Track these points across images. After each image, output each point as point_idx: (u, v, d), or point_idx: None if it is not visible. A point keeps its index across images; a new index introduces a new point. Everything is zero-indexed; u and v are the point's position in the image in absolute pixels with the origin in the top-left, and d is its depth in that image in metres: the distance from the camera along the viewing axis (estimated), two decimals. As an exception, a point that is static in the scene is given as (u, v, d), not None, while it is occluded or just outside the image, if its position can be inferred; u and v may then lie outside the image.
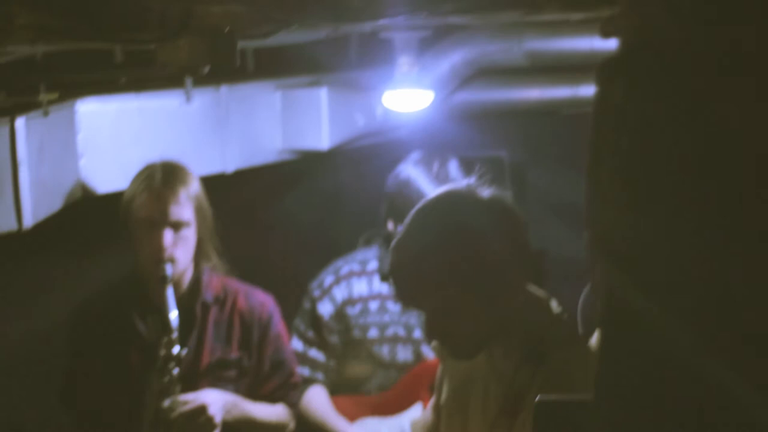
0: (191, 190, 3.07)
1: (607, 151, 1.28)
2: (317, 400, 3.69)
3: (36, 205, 3.06)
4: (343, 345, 3.70)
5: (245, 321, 3.18)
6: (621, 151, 1.26)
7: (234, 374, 3.15)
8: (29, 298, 3.80)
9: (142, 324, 3.09)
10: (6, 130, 2.97)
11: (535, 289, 2.37)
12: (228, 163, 3.96)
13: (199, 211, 3.07)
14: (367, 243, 3.87)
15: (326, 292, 3.71)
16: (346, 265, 3.76)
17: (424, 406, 3.58)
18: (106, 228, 3.18)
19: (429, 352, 3.60)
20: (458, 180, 3.54)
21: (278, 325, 3.26)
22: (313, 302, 3.71)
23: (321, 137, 4.22)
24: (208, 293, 3.15)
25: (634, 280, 1.24)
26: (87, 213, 3.35)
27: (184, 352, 2.99)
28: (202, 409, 2.95)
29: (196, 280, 3.15)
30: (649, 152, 1.22)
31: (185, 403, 2.95)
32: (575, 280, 2.64)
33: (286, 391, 3.28)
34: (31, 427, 3.81)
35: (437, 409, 2.66)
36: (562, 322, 2.35)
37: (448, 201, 2.30)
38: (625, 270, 1.25)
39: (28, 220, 3.03)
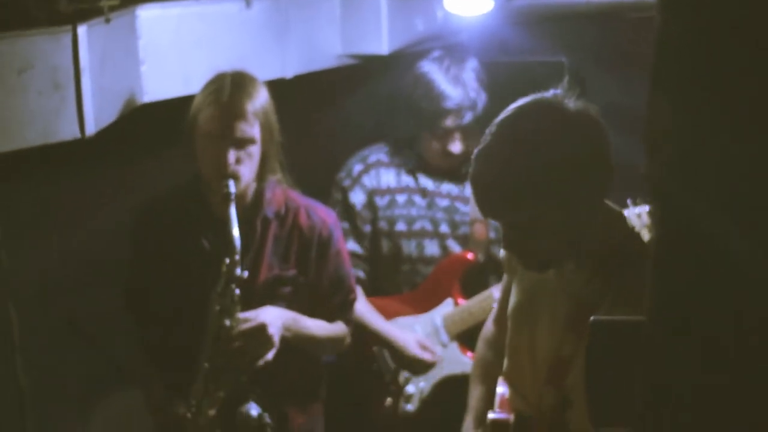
0: (258, 104, 3.03)
1: (672, 58, 1.25)
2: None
3: (98, 112, 3.08)
4: (374, 237, 3.72)
5: (305, 237, 3.18)
6: (685, 59, 1.23)
7: (290, 291, 3.16)
8: (91, 205, 3.85)
9: (205, 238, 3.10)
10: (68, 38, 2.98)
11: (611, 205, 2.36)
12: (287, 68, 3.94)
13: (265, 126, 3.04)
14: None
15: (356, 180, 3.72)
16: (373, 154, 3.78)
17: (455, 302, 3.60)
18: (167, 135, 3.19)
19: (455, 247, 3.62)
20: (471, 80, 3.56)
21: (339, 242, 3.25)
22: (345, 192, 3.73)
23: (381, 41, 4.18)
24: (270, 208, 3.14)
25: (691, 189, 1.22)
26: (148, 120, 3.36)
27: (246, 274, 2.99)
28: (262, 328, 2.97)
29: (259, 195, 3.14)
30: (715, 62, 1.20)
31: (246, 321, 2.98)
32: (633, 187, 2.61)
33: (346, 307, 3.30)
34: (97, 332, 3.88)
35: (500, 321, 2.68)
36: (637, 238, 2.34)
37: (534, 111, 2.26)
38: (682, 179, 1.23)
39: (91, 128, 3.06)
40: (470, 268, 3.64)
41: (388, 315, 3.73)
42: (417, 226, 3.68)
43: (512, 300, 2.55)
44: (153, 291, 3.16)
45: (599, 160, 2.22)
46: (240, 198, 3.05)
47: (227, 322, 2.95)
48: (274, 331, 2.99)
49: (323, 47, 4.15)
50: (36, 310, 3.83)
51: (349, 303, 3.32)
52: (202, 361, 2.97)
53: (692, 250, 1.23)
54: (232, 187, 2.96)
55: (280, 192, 3.18)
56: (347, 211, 3.73)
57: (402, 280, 3.74)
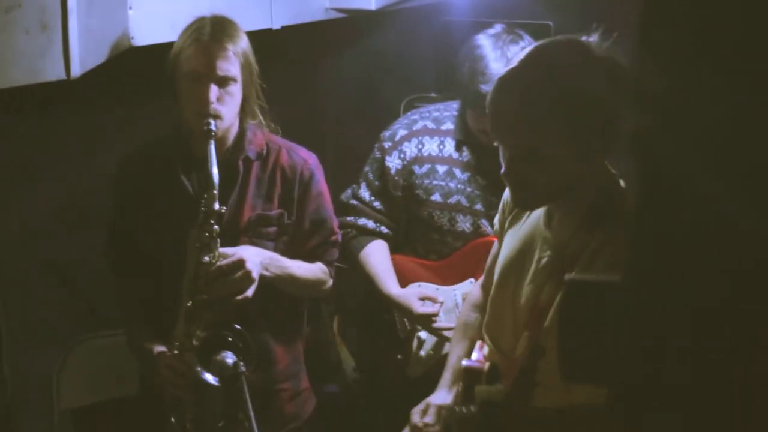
0: (239, 46, 3.06)
1: (659, 17, 1.25)
2: (376, 254, 3.73)
3: (84, 54, 3.07)
4: (405, 202, 3.72)
5: (287, 177, 3.20)
6: (672, 17, 1.24)
7: (273, 231, 3.18)
8: (76, 148, 3.85)
9: (186, 178, 3.12)
10: (56, -22, 2.97)
11: (610, 167, 2.39)
12: (275, 20, 3.94)
13: (245, 67, 3.07)
14: (442, 100, 3.85)
15: (396, 145, 3.71)
16: (421, 120, 3.75)
17: (476, 281, 3.62)
18: (152, 79, 3.19)
19: (487, 226, 3.62)
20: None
21: (320, 183, 3.27)
22: (383, 153, 3.72)
23: (368, -5, 4.17)
24: (251, 149, 3.17)
25: (678, 147, 1.23)
26: (133, 64, 3.36)
27: (224, 209, 3.02)
28: (240, 264, 2.99)
29: (240, 136, 3.16)
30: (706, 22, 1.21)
31: (224, 257, 3.00)
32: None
33: (326, 249, 3.31)
34: (77, 274, 3.90)
35: (486, 286, 2.71)
36: (625, 196, 2.37)
37: (565, 46, 2.30)
38: (669, 137, 1.24)
39: (76, 70, 3.05)
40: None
41: (413, 277, 3.74)
42: (453, 199, 3.65)
43: (500, 259, 2.58)
44: (136, 234, 3.17)
45: (616, 105, 2.24)
46: (221, 139, 3.08)
47: (206, 258, 2.97)
48: (252, 267, 3.00)
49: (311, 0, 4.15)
50: (16, 251, 3.84)
51: (330, 243, 3.33)
52: (183, 300, 2.99)
53: (678, 208, 1.24)
54: (213, 125, 2.98)
55: (260, 134, 3.20)
56: (381, 171, 3.73)
57: (430, 248, 3.74)
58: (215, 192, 2.95)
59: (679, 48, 1.23)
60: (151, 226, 3.14)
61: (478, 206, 3.62)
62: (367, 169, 3.77)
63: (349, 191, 3.81)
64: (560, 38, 2.35)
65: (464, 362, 2.50)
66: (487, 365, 2.43)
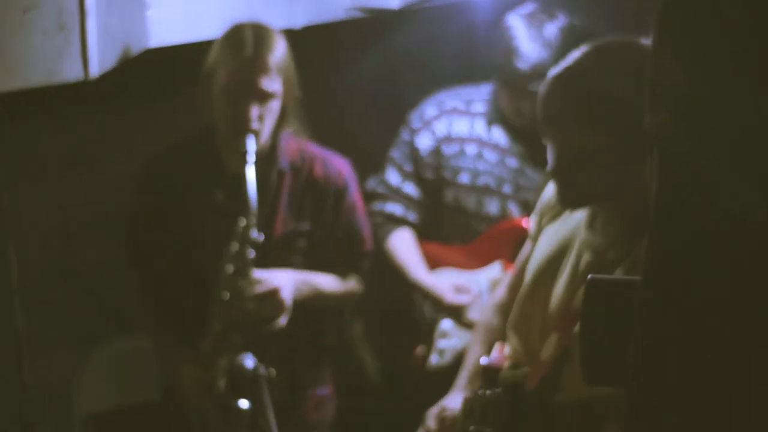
0: (280, 58, 2.97)
1: (677, 9, 1.23)
2: (403, 243, 3.68)
3: (102, 54, 3.06)
4: (433, 185, 3.68)
5: (320, 189, 3.14)
6: (690, 9, 1.21)
7: (305, 244, 3.14)
8: (94, 149, 3.84)
9: (216, 192, 3.06)
10: (74, -23, 2.96)
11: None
12: (296, 19, 3.91)
13: (286, 80, 2.99)
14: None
15: (426, 124, 3.67)
16: (450, 100, 3.71)
17: (504, 266, 3.57)
18: (171, 80, 3.17)
19: (514, 209, 3.58)
20: (555, 40, 3.48)
21: (354, 193, 3.22)
22: (412, 134, 3.68)
23: (391, -5, 4.14)
24: (284, 159, 3.10)
25: (694, 141, 1.21)
26: (152, 65, 3.34)
27: (262, 236, 2.97)
28: (274, 292, 2.96)
29: (273, 147, 3.08)
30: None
31: (259, 282, 2.96)
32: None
33: (359, 260, 3.28)
34: (97, 276, 3.89)
35: (514, 289, 2.66)
36: None
37: (622, 48, 2.28)
38: (685, 132, 1.21)
39: (95, 70, 3.04)
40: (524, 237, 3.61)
41: (438, 262, 3.69)
42: (481, 181, 3.61)
43: (534, 259, 2.54)
44: (159, 244, 3.10)
45: None
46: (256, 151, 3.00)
47: (240, 283, 2.94)
48: (287, 296, 2.97)
49: (333, -1, 4.12)
50: (35, 254, 3.83)
51: (362, 255, 3.29)
52: (214, 322, 2.95)
53: (694, 203, 1.21)
54: (251, 146, 2.90)
55: (294, 143, 3.14)
56: (412, 154, 3.68)
57: (456, 232, 3.70)
58: (254, 219, 2.91)
59: (698, 41, 1.20)
60: (175, 236, 3.07)
61: (506, 189, 3.58)
62: (394, 153, 3.72)
63: (373, 180, 3.76)
64: (618, 39, 2.33)
65: (483, 360, 2.48)
66: (506, 364, 2.40)
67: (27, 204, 3.78)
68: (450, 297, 3.55)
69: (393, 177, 3.70)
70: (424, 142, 3.65)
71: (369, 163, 3.84)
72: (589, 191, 2.32)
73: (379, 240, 3.66)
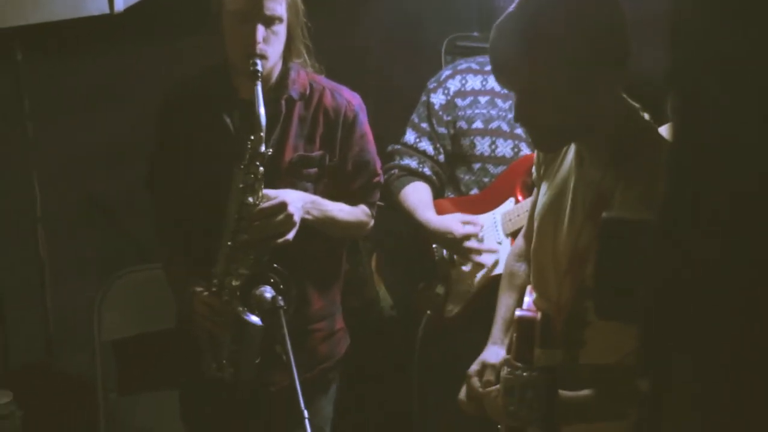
0: None
1: None
2: (415, 191, 3.71)
3: (127, -11, 3.09)
4: (450, 138, 3.73)
5: (330, 118, 3.18)
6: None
7: (315, 172, 3.17)
8: (118, 82, 3.87)
9: (228, 116, 3.12)
10: None
11: (628, 99, 2.39)
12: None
13: (291, 6, 3.03)
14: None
15: (441, 83, 3.73)
16: (466, 63, 3.77)
17: (516, 200, 3.61)
18: (195, 15, 3.19)
19: (526, 150, 3.61)
20: None
21: (364, 124, 3.24)
22: (428, 94, 3.74)
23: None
24: (294, 89, 3.15)
25: (714, 80, 1.20)
26: (173, 0, 3.36)
27: (270, 151, 3.02)
28: (282, 207, 3.00)
29: (284, 76, 3.13)
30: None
31: (267, 199, 3.01)
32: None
33: (369, 190, 3.30)
34: (119, 207, 3.93)
35: (528, 235, 2.71)
36: (652, 131, 2.37)
37: None
38: (705, 71, 1.21)
39: (120, 5, 3.07)
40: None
41: (455, 212, 3.74)
42: (494, 125, 3.66)
43: (537, 207, 2.59)
44: (177, 171, 3.16)
45: (616, 43, 2.24)
46: (265, 78, 3.05)
47: (250, 200, 2.98)
48: (294, 210, 3.01)
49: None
50: (58, 185, 3.89)
51: (373, 186, 3.31)
52: (225, 239, 3.01)
53: (712, 144, 1.22)
54: (260, 65, 2.96)
55: (304, 74, 3.18)
56: (427, 110, 3.73)
57: (472, 182, 3.74)
58: (262, 134, 2.94)
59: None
60: (192, 163, 3.13)
61: (519, 130, 3.62)
62: (412, 116, 3.79)
63: (392, 144, 3.82)
64: None
65: (517, 312, 2.52)
66: (539, 315, 2.45)
67: (51, 135, 3.83)
68: (457, 228, 3.58)
69: (410, 136, 3.76)
70: (438, 99, 3.71)
71: (387, 99, 3.87)
72: (557, 131, 2.34)
73: (394, 192, 3.73)
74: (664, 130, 2.85)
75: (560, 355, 2.37)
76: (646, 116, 2.38)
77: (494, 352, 2.69)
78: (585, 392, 2.35)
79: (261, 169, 2.95)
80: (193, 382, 3.24)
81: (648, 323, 1.33)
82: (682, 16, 1.23)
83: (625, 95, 2.37)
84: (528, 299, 2.60)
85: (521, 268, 2.79)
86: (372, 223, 3.34)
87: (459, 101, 3.68)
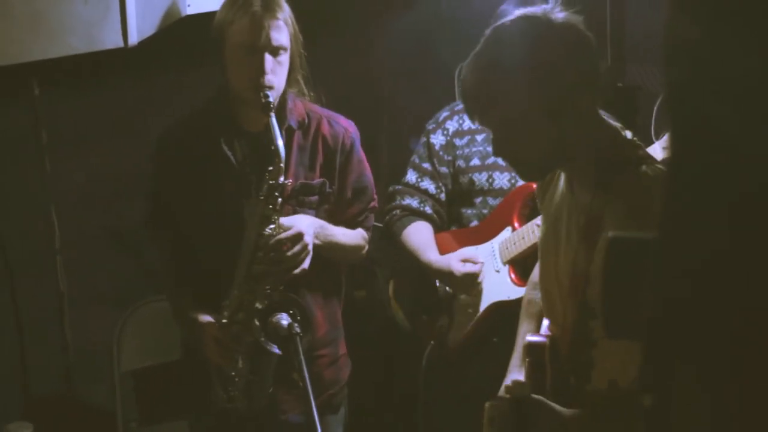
0: (287, 13, 3.06)
1: None
2: (417, 231, 3.76)
3: (141, 22, 3.12)
4: (451, 177, 3.77)
5: (329, 146, 3.20)
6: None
7: (316, 200, 3.19)
8: (133, 115, 3.90)
9: (228, 148, 3.10)
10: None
11: (608, 117, 2.40)
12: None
13: (293, 36, 3.07)
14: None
15: (440, 124, 3.79)
16: (461, 104, 3.81)
17: (512, 228, 3.64)
18: (207, 47, 3.22)
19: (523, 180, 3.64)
20: None
21: (360, 151, 3.28)
22: (428, 135, 3.80)
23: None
24: (293, 118, 3.15)
25: (710, 97, 1.21)
26: (188, 32, 3.39)
27: (290, 182, 3.04)
28: (299, 236, 3.04)
29: (281, 106, 3.13)
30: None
31: (285, 228, 3.02)
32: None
33: (366, 216, 3.34)
34: (135, 238, 3.95)
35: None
36: (632, 146, 2.38)
37: (522, 22, 2.33)
38: (701, 87, 1.22)
39: (134, 38, 3.10)
40: (533, 198, 3.64)
41: (455, 247, 3.77)
42: (490, 160, 3.70)
43: (540, 234, 2.61)
44: (179, 206, 3.16)
45: (580, 69, 2.27)
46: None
47: (267, 231, 2.99)
48: (309, 240, 3.04)
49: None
50: (76, 216, 3.92)
51: (370, 210, 3.36)
52: (240, 271, 3.02)
53: (709, 160, 1.23)
54: (271, 96, 2.98)
55: (300, 103, 3.20)
56: (428, 150, 3.80)
57: (474, 214, 3.78)
58: (282, 165, 2.96)
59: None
60: (194, 197, 3.13)
61: None
62: (413, 157, 3.84)
63: (393, 184, 3.87)
64: (517, 14, 2.36)
65: (527, 338, 2.53)
66: (548, 340, 2.46)
67: (68, 167, 3.86)
68: (457, 267, 3.62)
69: (411, 176, 3.81)
70: (438, 139, 3.77)
71: (400, 124, 3.89)
72: (537, 161, 2.37)
73: (396, 233, 3.76)
74: (653, 150, 2.87)
75: (573, 380, 2.37)
76: (629, 134, 2.40)
77: (513, 378, 2.70)
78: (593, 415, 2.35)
79: (280, 200, 2.97)
80: (203, 412, 3.25)
81: (652, 336, 1.33)
82: (678, 36, 1.24)
83: (604, 115, 2.39)
84: (545, 324, 2.62)
85: (538, 296, 2.81)
86: (367, 247, 3.36)
87: (457, 141, 3.75)
